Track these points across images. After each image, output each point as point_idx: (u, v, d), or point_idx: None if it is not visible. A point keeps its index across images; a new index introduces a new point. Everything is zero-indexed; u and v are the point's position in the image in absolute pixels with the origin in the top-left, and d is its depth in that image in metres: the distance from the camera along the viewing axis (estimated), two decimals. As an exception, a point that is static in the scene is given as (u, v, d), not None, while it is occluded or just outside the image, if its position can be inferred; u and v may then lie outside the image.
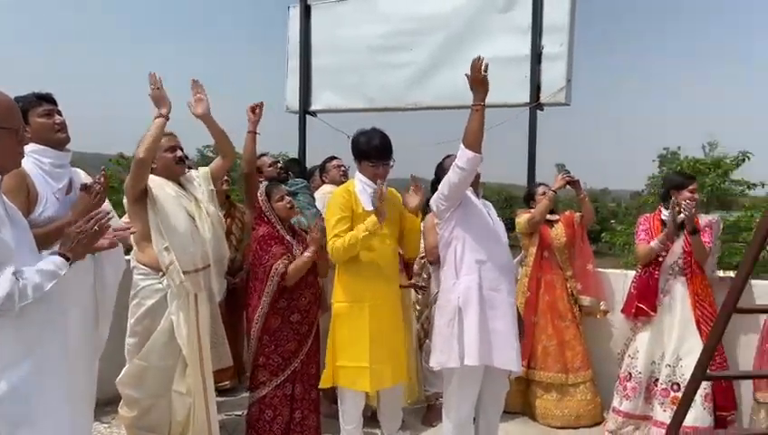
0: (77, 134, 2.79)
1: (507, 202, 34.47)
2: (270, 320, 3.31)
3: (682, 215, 3.67)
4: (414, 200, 3.29)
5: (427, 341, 4.13)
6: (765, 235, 1.72)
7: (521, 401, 4.31)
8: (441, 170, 3.38)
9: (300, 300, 3.36)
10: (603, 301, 4.23)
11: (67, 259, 1.90)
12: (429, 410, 4.16)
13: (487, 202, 3.43)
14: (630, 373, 3.86)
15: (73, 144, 2.74)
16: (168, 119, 3.06)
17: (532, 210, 4.30)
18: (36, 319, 1.84)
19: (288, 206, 3.43)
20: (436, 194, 3.19)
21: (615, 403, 3.93)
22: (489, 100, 3.05)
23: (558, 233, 4.26)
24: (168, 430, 3.17)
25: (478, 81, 2.90)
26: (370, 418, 3.78)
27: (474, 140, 2.96)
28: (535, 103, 4.65)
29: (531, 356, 4.25)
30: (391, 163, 3.29)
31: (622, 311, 4.01)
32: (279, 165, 4.16)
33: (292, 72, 5.58)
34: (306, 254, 3.31)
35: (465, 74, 2.94)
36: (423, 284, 4.06)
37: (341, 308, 3.25)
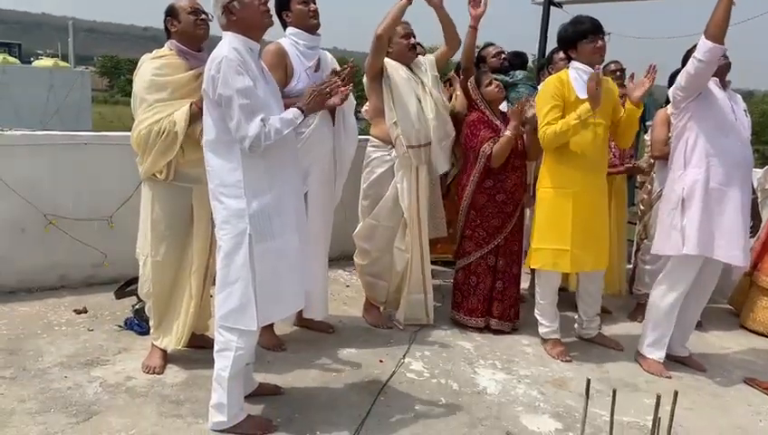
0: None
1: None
2: (477, 197, 3.63)
3: None
4: (638, 90, 3.26)
5: (645, 241, 4.11)
6: None
7: (743, 299, 4.22)
8: (687, 59, 3.28)
9: (506, 181, 3.60)
10: None
11: (302, 111, 2.42)
12: (637, 308, 4.19)
13: (736, 95, 3.26)
14: None
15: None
16: (410, 3, 3.33)
17: None
18: (279, 160, 2.41)
19: (496, 89, 3.62)
20: (674, 84, 3.19)
21: None
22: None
23: None
24: (389, 278, 3.76)
25: None
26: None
27: (716, 31, 2.93)
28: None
29: (763, 259, 4.06)
30: (606, 38, 3.30)
31: None
32: (503, 56, 4.23)
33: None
34: (507, 131, 3.49)
35: None
36: (645, 166, 4.07)
37: (546, 193, 3.41)
